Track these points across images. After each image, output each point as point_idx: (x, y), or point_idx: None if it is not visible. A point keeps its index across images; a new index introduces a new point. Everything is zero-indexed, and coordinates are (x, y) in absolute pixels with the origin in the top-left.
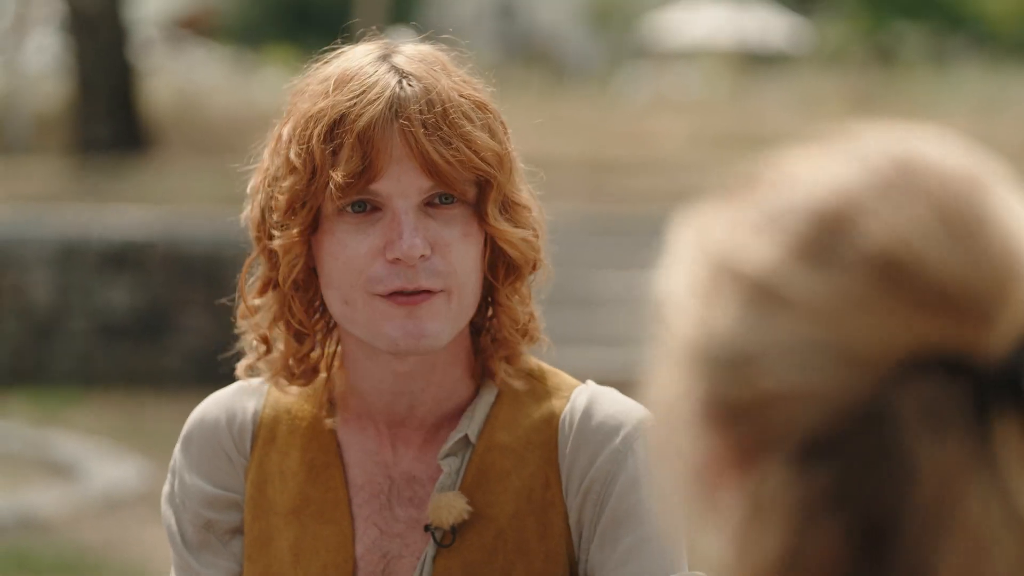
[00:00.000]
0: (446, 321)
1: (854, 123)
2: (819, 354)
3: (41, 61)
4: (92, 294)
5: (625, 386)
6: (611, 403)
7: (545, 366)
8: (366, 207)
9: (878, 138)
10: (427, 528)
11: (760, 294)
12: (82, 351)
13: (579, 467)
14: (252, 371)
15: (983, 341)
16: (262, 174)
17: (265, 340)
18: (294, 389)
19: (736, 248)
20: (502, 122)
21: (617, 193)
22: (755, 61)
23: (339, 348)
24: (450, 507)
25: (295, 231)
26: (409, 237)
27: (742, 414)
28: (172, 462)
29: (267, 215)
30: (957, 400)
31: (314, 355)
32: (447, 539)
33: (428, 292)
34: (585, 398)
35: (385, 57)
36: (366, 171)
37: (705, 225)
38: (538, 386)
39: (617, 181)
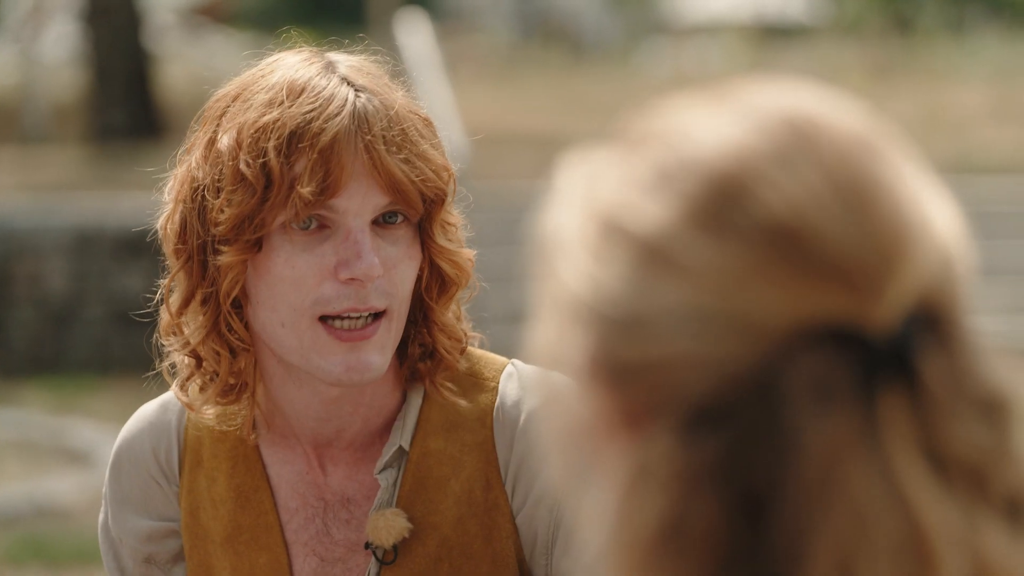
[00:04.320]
0: (387, 349)
1: (743, 79)
2: (709, 322)
3: (58, 50)
4: (108, 281)
5: None
6: (544, 393)
7: (469, 351)
8: (312, 224)
9: (770, 96)
10: (367, 546)
11: (651, 256)
12: (99, 338)
13: (527, 471)
14: (185, 390)
15: (874, 312)
16: (187, 183)
17: (195, 355)
18: (211, 412)
19: (627, 206)
20: (440, 140)
21: None
22: (774, 34)
23: (256, 365)
24: (389, 527)
25: (241, 247)
26: (368, 256)
27: (630, 375)
28: (104, 489)
29: (195, 226)
30: (845, 373)
31: (242, 370)
32: (388, 556)
33: (375, 319)
34: (515, 388)
35: (330, 67)
36: (328, 187)
37: (595, 177)
38: (465, 379)
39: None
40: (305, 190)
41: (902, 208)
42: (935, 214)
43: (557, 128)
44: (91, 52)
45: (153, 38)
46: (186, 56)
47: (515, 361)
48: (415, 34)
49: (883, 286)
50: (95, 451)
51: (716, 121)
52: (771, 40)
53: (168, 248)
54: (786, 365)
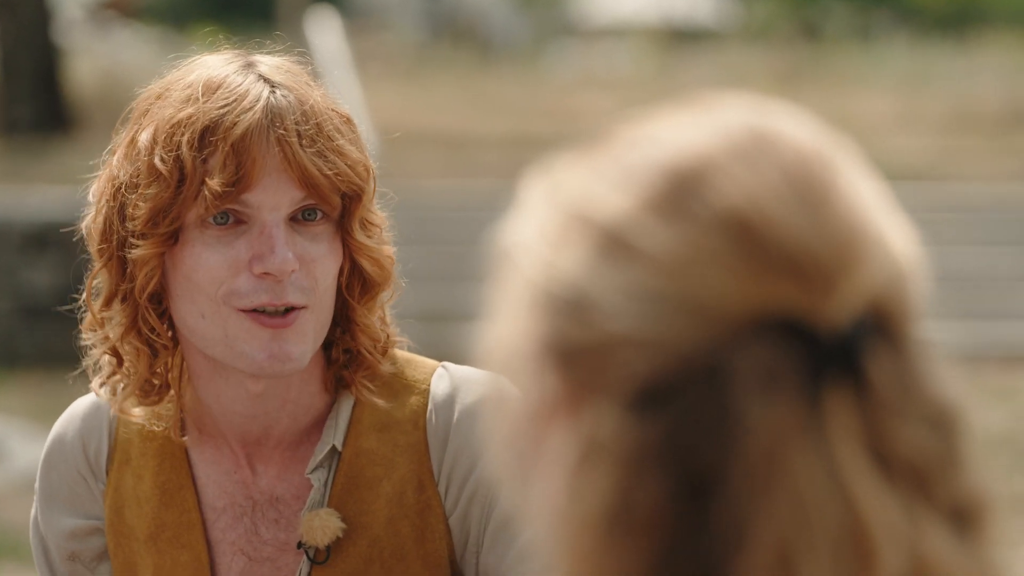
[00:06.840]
0: (310, 341)
1: (713, 94)
2: (660, 304)
3: None
4: (15, 276)
5: None
6: (476, 392)
7: (398, 354)
8: (229, 219)
9: (738, 108)
10: (300, 545)
11: (609, 241)
12: (4, 332)
13: (460, 471)
14: (106, 389)
15: (824, 309)
16: (109, 182)
17: (116, 353)
18: (138, 412)
19: (590, 198)
20: (362, 139)
21: None
22: (682, 37)
23: (184, 364)
24: (324, 527)
25: (155, 241)
26: (282, 251)
27: (580, 355)
28: (36, 483)
29: (115, 224)
30: (793, 364)
31: (164, 370)
32: (321, 556)
33: (293, 310)
34: (446, 390)
35: (249, 66)
36: (240, 180)
37: (560, 177)
38: (395, 381)
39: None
40: (214, 182)
41: (858, 214)
42: (890, 227)
43: (465, 128)
44: None
45: (61, 33)
46: (94, 51)
47: (446, 363)
48: (325, 32)
49: (835, 283)
50: (0, 444)
51: (681, 126)
52: (679, 44)
53: (92, 248)
54: (734, 351)
